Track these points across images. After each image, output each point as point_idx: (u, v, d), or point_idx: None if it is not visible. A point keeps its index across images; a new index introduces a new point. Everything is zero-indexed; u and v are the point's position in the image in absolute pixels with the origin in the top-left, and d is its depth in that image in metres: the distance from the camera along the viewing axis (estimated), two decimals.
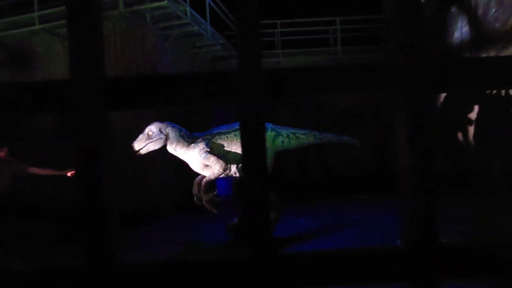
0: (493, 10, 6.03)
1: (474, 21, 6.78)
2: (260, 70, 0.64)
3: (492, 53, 5.88)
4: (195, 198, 4.00)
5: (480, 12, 6.40)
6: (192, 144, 3.85)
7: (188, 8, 6.34)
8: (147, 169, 6.25)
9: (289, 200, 6.45)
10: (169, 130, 3.84)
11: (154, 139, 3.77)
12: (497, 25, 5.79)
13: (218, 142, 3.92)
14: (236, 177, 4.11)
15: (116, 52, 6.36)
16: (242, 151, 0.64)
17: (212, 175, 3.84)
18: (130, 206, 6.01)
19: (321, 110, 8.53)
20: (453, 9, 7.72)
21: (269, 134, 4.05)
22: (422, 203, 0.63)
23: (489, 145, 5.79)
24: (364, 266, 0.66)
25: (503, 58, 0.64)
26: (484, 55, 6.22)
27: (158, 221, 5.80)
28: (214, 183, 4.05)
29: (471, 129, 7.01)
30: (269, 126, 4.17)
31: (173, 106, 0.65)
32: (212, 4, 7.35)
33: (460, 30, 7.37)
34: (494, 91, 5.73)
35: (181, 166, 6.96)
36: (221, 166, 3.78)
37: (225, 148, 3.93)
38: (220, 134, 3.98)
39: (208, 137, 3.94)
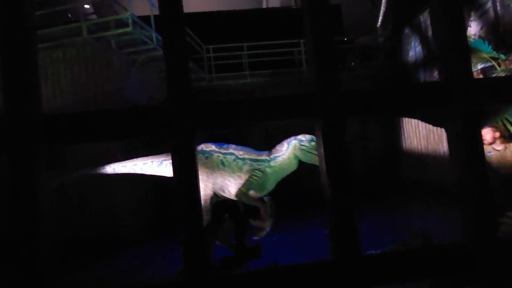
0: None
1: (425, 41, 7.31)
2: (188, 103, 0.69)
3: None
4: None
5: (430, 33, 6.92)
6: None
7: (153, 34, 6.41)
8: (115, 193, 6.07)
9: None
10: None
11: None
12: None
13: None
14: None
15: (80, 78, 6.27)
16: (174, 181, 0.68)
17: None
18: (96, 233, 5.78)
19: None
20: (407, 30, 8.30)
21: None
22: (343, 218, 0.69)
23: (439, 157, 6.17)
24: (296, 282, 0.70)
25: (412, 85, 0.73)
26: (435, 73, 6.69)
27: (127, 248, 5.59)
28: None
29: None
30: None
31: (107, 140, 0.68)
32: None
33: (414, 50, 7.91)
34: None
35: (152, 189, 6.82)
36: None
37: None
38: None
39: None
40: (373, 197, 8.02)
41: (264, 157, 3.80)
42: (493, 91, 0.72)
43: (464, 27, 0.72)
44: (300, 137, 3.75)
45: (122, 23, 5.93)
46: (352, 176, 0.70)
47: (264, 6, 16.70)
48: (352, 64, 9.70)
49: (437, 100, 0.73)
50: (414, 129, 8.22)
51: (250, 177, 3.71)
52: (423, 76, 7.64)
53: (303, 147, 3.68)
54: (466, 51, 0.71)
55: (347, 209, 0.69)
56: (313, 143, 3.68)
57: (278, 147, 3.82)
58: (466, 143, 0.69)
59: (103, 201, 6.03)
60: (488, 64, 4.92)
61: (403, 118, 8.49)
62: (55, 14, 7.39)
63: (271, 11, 12.45)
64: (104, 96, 6.23)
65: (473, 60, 4.66)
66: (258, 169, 3.74)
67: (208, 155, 3.80)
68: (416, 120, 8.04)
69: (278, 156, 3.74)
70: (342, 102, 0.70)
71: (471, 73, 0.72)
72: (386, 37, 9.65)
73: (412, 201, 7.19)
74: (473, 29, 5.82)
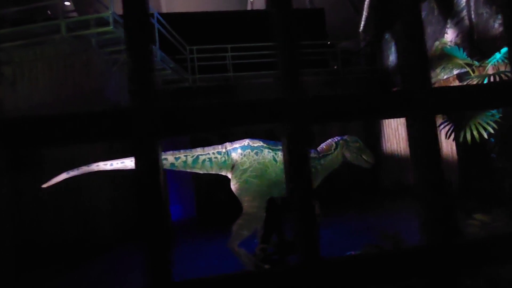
0: None
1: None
2: (150, 107, 0.68)
3: None
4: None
5: None
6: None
7: None
8: (90, 196, 5.94)
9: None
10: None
11: None
12: None
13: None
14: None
15: (59, 77, 6.11)
16: (137, 189, 0.67)
17: None
18: (71, 238, 5.64)
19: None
20: (387, 35, 8.49)
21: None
22: (304, 226, 0.70)
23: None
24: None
25: (374, 92, 0.75)
26: None
27: (103, 253, 5.48)
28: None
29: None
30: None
31: (68, 145, 0.67)
32: (162, 30, 7.40)
33: (394, 55, 8.10)
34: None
35: (130, 191, 6.71)
36: None
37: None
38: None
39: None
40: (353, 200, 8.15)
41: (313, 155, 3.91)
42: (450, 100, 0.75)
43: (423, 38, 0.74)
44: (346, 137, 3.96)
45: (103, 22, 5.82)
46: (312, 182, 0.71)
47: (249, 8, 16.75)
48: (334, 67, 9.85)
49: (398, 107, 0.75)
50: (394, 132, 8.41)
51: None
52: None
53: (350, 148, 3.85)
54: (425, 61, 0.74)
55: (307, 213, 0.70)
56: (357, 144, 3.90)
57: (325, 146, 3.98)
58: (422, 148, 0.72)
59: (81, 204, 5.88)
60: (463, 70, 5.09)
61: (383, 121, 8.68)
62: (34, 10, 7.19)
63: (255, 13, 12.49)
64: (84, 96, 6.09)
65: (449, 66, 4.81)
66: (312, 166, 3.82)
67: (257, 150, 3.66)
68: (396, 123, 8.23)
69: (328, 155, 3.91)
70: (307, 108, 0.71)
71: (430, 82, 0.75)
72: (368, 42, 9.85)
73: (392, 203, 7.34)
74: (449, 36, 6.02)
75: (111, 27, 5.60)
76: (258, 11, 13.76)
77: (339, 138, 3.98)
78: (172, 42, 8.10)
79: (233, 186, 3.71)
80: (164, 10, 15.64)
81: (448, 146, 5.95)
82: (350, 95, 0.76)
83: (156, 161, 0.67)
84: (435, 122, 0.73)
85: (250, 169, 3.62)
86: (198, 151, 3.72)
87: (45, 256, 5.23)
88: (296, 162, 0.70)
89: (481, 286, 1.64)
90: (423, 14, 6.36)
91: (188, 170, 3.79)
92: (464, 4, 5.66)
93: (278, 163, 3.66)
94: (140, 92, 0.68)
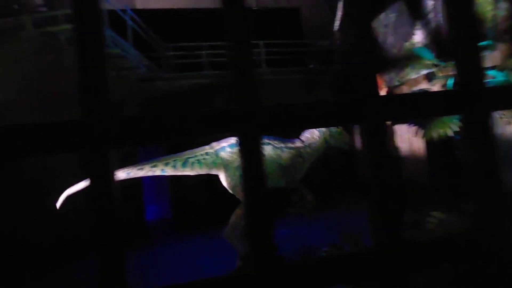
0: (391, 37, 6.94)
1: (377, 46, 7.69)
2: (104, 118, 0.68)
3: (393, 74, 6.74)
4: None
5: (380, 39, 7.31)
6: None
7: (107, 30, 6.15)
8: (88, 196, 5.75)
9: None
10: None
11: None
12: (394, 50, 6.67)
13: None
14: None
15: (26, 76, 5.86)
16: (89, 199, 0.67)
17: None
18: (70, 238, 5.46)
19: None
20: None
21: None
22: (261, 232, 0.72)
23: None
24: None
25: (325, 101, 0.78)
26: (386, 76, 7.09)
27: (81, 260, 5.33)
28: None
29: None
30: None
31: (19, 158, 0.66)
32: (136, 27, 7.23)
33: None
34: None
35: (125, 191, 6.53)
36: None
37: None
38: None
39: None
40: (331, 198, 8.29)
41: (299, 144, 4.04)
42: (399, 107, 0.79)
43: (372, 48, 0.78)
44: None
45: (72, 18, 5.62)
46: (268, 190, 0.73)
47: None
48: (311, 66, 9.98)
49: (349, 115, 0.78)
50: None
51: (294, 164, 3.91)
52: None
53: (332, 133, 4.12)
54: (372, 71, 0.77)
55: (264, 217, 0.72)
56: (338, 129, 4.17)
57: (309, 135, 4.13)
58: (373, 153, 0.76)
59: (79, 203, 5.68)
60: (431, 70, 5.30)
61: None
62: None
63: None
64: (53, 94, 5.87)
65: (417, 66, 4.99)
66: (299, 156, 3.97)
67: None
68: None
69: (314, 143, 4.08)
70: (258, 117, 0.73)
71: (377, 92, 0.78)
72: (343, 41, 10.04)
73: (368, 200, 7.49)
74: (418, 37, 6.23)
75: None
76: None
77: None
78: (147, 39, 7.94)
79: (228, 184, 3.83)
80: (139, 6, 15.24)
81: (419, 143, 6.18)
82: (302, 104, 0.78)
83: (110, 173, 0.67)
84: (383, 129, 0.77)
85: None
86: (187, 154, 3.82)
87: (44, 255, 5.06)
88: (251, 170, 0.72)
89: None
90: (394, 15, 6.56)
91: (179, 174, 3.88)
92: (431, 6, 5.87)
93: (265, 157, 3.88)
94: (92, 103, 0.68)
